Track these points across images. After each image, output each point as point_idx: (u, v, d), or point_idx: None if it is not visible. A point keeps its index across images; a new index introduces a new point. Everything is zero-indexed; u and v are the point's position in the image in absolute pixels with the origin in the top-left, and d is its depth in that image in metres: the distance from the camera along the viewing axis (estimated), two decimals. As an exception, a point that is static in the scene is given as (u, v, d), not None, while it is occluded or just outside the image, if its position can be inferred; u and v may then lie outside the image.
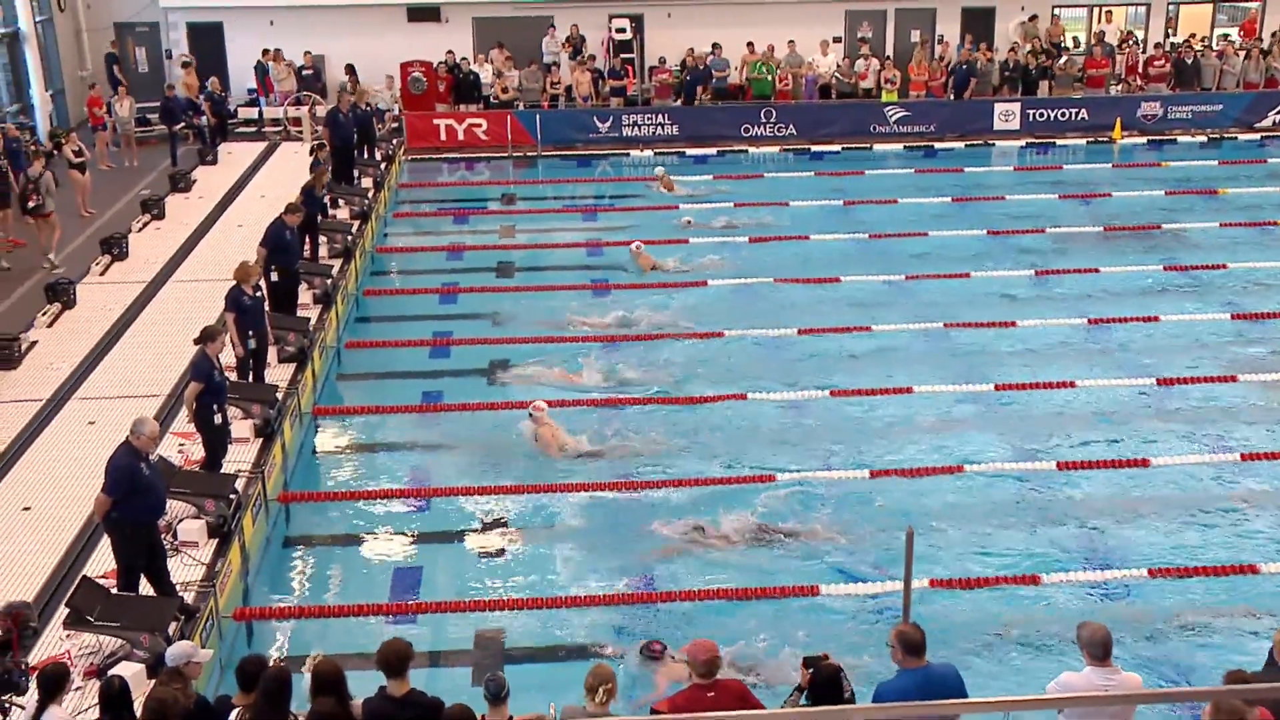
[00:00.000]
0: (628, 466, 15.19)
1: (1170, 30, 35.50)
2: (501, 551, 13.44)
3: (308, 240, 20.20)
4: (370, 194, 25.12)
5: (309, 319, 18.43)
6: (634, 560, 13.20)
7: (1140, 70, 33.11)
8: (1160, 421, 16.25)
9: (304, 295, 19.14)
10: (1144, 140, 31.30)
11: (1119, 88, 33.08)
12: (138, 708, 8.94)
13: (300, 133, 30.24)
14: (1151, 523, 13.83)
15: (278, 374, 16.76)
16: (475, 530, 13.85)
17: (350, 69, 31.09)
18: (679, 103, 32.03)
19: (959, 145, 30.93)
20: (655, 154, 30.29)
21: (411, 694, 8.31)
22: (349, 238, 22.18)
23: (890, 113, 31.41)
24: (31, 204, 21.32)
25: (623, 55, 32.79)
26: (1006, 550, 13.30)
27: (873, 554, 13.19)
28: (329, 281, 19.91)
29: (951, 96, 32.04)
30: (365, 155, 26.99)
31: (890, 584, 12.26)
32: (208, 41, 33.23)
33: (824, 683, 8.19)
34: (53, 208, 21.47)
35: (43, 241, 21.69)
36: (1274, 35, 34.56)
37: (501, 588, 12.76)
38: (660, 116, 31.22)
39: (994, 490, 14.54)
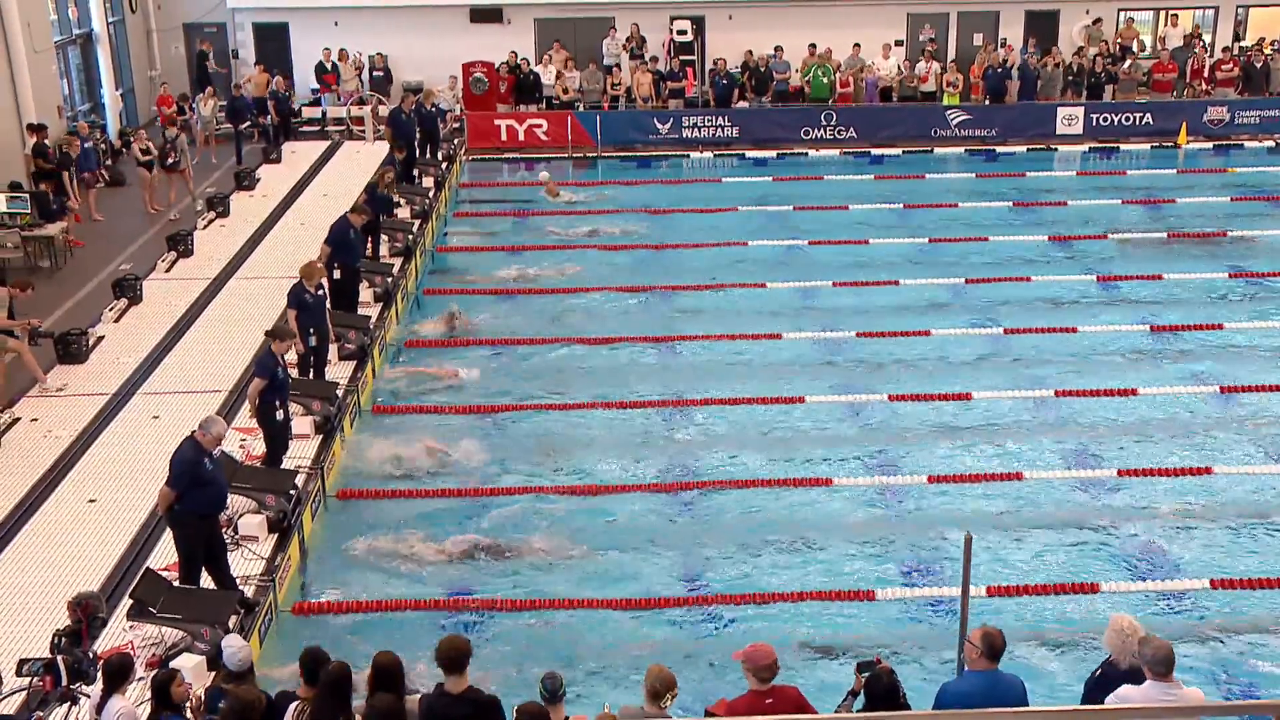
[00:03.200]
0: (689, 466, 15.22)
1: (1239, 33, 34.99)
2: (558, 550, 13.47)
3: (369, 239, 20.38)
4: (431, 193, 25.29)
5: (369, 317, 18.61)
6: (691, 562, 13.24)
7: (1207, 74, 32.67)
8: (1223, 430, 16.06)
9: (364, 293, 19.32)
10: (1210, 145, 30.89)
11: (1185, 92, 32.65)
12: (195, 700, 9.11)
13: (363, 132, 30.50)
14: (1214, 532, 13.68)
15: (338, 371, 16.94)
16: (536, 530, 13.88)
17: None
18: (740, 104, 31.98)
19: (1021, 149, 30.66)
20: (715, 155, 30.29)
21: (469, 691, 8.35)
22: (409, 236, 22.36)
23: (951, 116, 31.18)
24: (170, 160, 24.90)
25: (683, 57, 32.77)
26: (1066, 558, 13.20)
27: (928, 560, 13.14)
28: (389, 280, 20.08)
29: (988, 100, 31.75)
30: (428, 155, 27.19)
31: (946, 589, 12.23)
32: (273, 42, 33.62)
33: (881, 690, 8.18)
34: (186, 164, 25.44)
35: (173, 197, 25.09)
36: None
37: (559, 590, 12.80)
38: (720, 118, 31.17)
39: (1054, 497, 14.44)
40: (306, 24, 33.28)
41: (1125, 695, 7.93)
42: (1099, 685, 8.27)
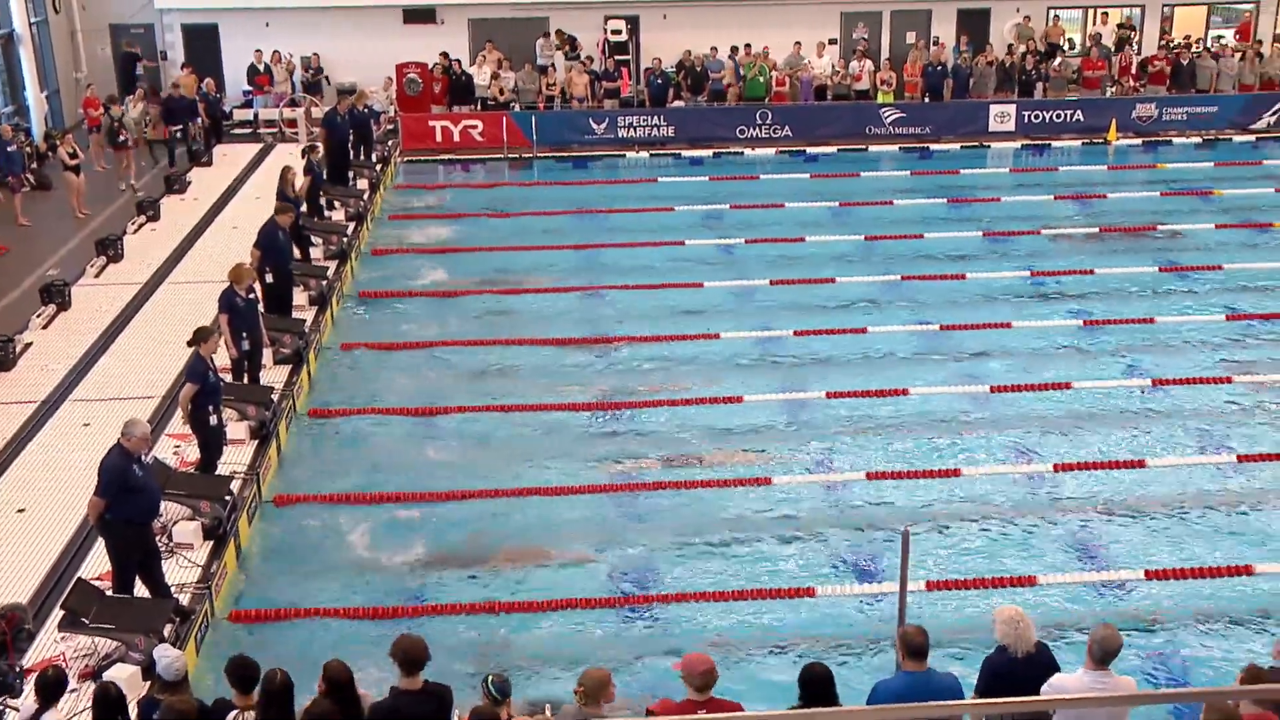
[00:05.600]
0: (628, 467, 15.21)
1: (1167, 30, 35.47)
2: (497, 555, 13.40)
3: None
4: (366, 196, 25.11)
5: (304, 320, 18.44)
6: (626, 560, 13.22)
7: (1135, 71, 33.12)
8: (1156, 422, 16.27)
9: (299, 297, 19.14)
10: (1139, 142, 31.30)
11: (1114, 89, 33.07)
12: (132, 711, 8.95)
13: (296, 134, 30.21)
14: (1147, 524, 13.84)
15: (273, 375, 16.77)
16: (473, 533, 13.81)
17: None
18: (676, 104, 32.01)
19: (954, 147, 30.92)
20: (651, 155, 30.29)
21: (427, 685, 8.37)
22: (344, 239, 22.18)
23: (886, 114, 31.40)
24: (121, 138, 26.08)
25: (618, 57, 32.75)
26: (1003, 552, 13.30)
27: (868, 556, 13.21)
28: (324, 283, 19.91)
29: (925, 98, 32.05)
30: (361, 157, 26.98)
31: (885, 585, 12.29)
32: (203, 43, 33.17)
33: (816, 683, 8.17)
34: (132, 144, 26.51)
35: (121, 171, 26.20)
36: (1275, 40, 34.61)
37: (500, 590, 12.73)
38: (656, 118, 31.18)
39: (991, 491, 14.54)
40: (237, 25, 32.89)
41: (1060, 684, 8.03)
42: (995, 675, 8.40)
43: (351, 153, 26.16)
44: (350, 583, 12.95)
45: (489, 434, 16.15)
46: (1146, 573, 12.69)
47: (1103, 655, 7.99)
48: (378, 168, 27.27)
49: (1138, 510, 14.11)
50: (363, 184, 25.91)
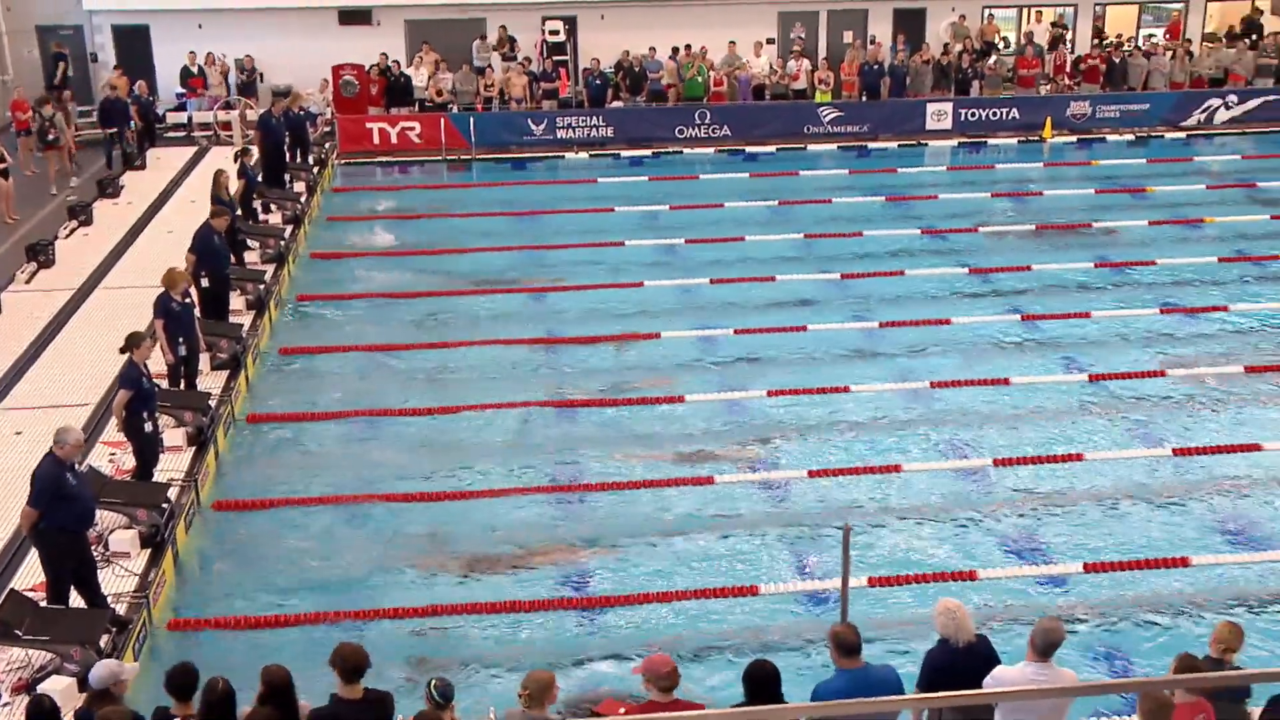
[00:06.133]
0: (569, 468, 15.17)
1: (1100, 28, 35.88)
2: (442, 557, 13.32)
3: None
4: (303, 198, 24.90)
5: (241, 325, 18.26)
6: (570, 562, 13.18)
7: (1069, 70, 33.51)
8: (1093, 416, 16.44)
9: (236, 301, 18.95)
10: (1074, 139, 31.66)
11: (1048, 88, 33.43)
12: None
13: (231, 137, 29.90)
14: (1085, 517, 13.96)
15: (210, 381, 16.58)
16: (415, 536, 13.71)
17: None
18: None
19: (892, 145, 31.14)
20: (590, 155, 30.27)
21: (369, 693, 8.31)
22: (282, 243, 21.98)
23: (824, 113, 31.56)
24: (50, 136, 25.76)
25: (555, 58, 32.71)
26: (944, 547, 13.38)
27: (811, 553, 13.24)
28: (262, 287, 19.72)
29: (863, 97, 32.25)
30: (298, 159, 26.74)
31: (828, 582, 12.34)
32: (134, 44, 32.76)
33: (761, 681, 8.17)
34: (67, 141, 26.52)
35: (53, 173, 26.13)
36: (1204, 39, 35.14)
37: (443, 593, 12.64)
38: (595, 118, 31.19)
39: (931, 487, 14.62)
40: (168, 26, 32.50)
41: (1002, 677, 8.09)
42: (935, 667, 8.48)
43: (288, 155, 25.93)
44: (292, 588, 12.80)
45: (431, 436, 16.05)
46: (1085, 565, 12.81)
47: (1044, 647, 8.06)
48: (315, 170, 27.07)
49: (1076, 504, 14.23)
50: (300, 187, 25.70)
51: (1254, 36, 34.37)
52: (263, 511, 14.22)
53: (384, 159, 30.22)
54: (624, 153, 30.57)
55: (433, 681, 8.56)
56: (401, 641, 11.84)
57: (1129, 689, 8.14)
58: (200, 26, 32.33)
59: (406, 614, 12.20)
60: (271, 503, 14.35)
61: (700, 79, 32.18)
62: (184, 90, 31.95)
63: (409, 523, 13.98)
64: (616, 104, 32.11)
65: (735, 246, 23.21)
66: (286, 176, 25.42)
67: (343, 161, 29.81)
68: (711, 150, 30.75)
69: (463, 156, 30.02)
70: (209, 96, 31.67)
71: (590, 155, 30.43)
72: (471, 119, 30.45)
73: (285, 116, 25.70)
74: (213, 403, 15.66)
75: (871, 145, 31.23)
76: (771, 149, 30.77)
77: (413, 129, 30.63)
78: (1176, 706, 7.75)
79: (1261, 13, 35.76)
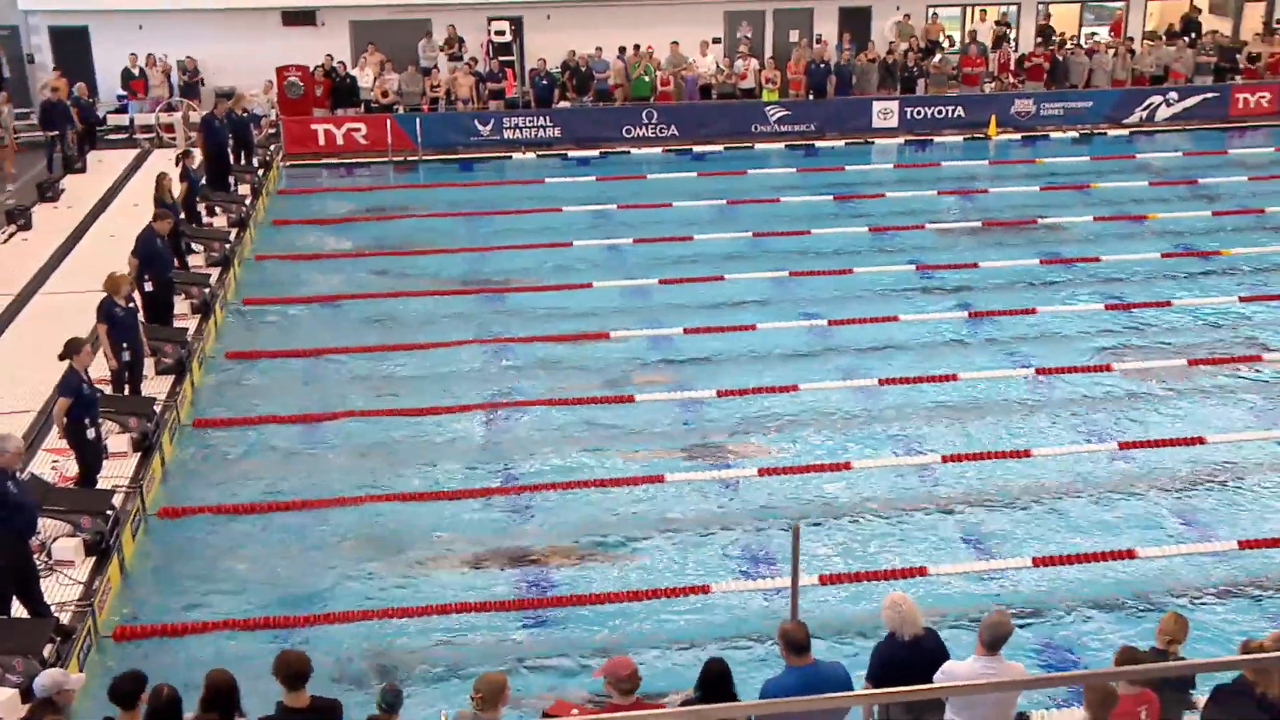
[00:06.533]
0: (519, 469, 15.12)
1: (1047, 28, 36.17)
2: (391, 561, 13.23)
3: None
4: (248, 201, 24.68)
5: (186, 329, 18.07)
6: (520, 563, 13.14)
7: (1014, 68, 33.78)
8: (1040, 411, 16.56)
9: (181, 305, 18.75)
10: (1018, 137, 31.91)
11: (993, 86, 33.68)
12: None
13: (173, 139, 29.56)
14: (1034, 512, 14.06)
15: (155, 386, 16.39)
16: (363, 540, 13.61)
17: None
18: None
19: (839, 144, 31.26)
20: (538, 156, 30.21)
21: (315, 701, 8.25)
22: (227, 246, 21.77)
23: (771, 112, 31.65)
24: None
25: (502, 58, 32.61)
26: (893, 544, 13.43)
27: (762, 552, 13.26)
28: (207, 291, 19.52)
29: (809, 96, 32.39)
30: (242, 162, 26.50)
31: (779, 580, 12.35)
32: (72, 46, 32.31)
33: (714, 679, 8.18)
34: (8, 142, 26.54)
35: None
36: (1145, 37, 35.54)
37: (392, 597, 12.56)
38: (542, 119, 31.11)
39: (881, 484, 14.68)
40: (108, 27, 32.10)
41: (951, 671, 8.14)
42: (883, 660, 8.57)
43: (232, 157, 25.68)
44: (239, 594, 12.69)
45: (378, 439, 15.94)
46: (1034, 560, 12.90)
47: (992, 641, 8.12)
48: (259, 172, 26.83)
49: (1024, 499, 14.33)
50: (244, 189, 25.45)
51: (1193, 35, 34.79)
52: (209, 517, 14.08)
53: (330, 161, 29.99)
54: (571, 153, 30.51)
55: (383, 687, 8.50)
56: (352, 646, 11.75)
57: (1075, 681, 8.21)
58: (141, 28, 31.95)
59: (356, 618, 12.12)
60: (219, 508, 14.21)
61: (647, 79, 32.19)
62: (125, 92, 31.58)
63: (357, 526, 13.87)
64: (563, 104, 32.05)
65: (684, 246, 23.23)
66: (231, 179, 25.16)
67: (288, 163, 29.57)
68: (659, 150, 30.75)
69: (409, 158, 29.86)
70: (150, 98, 31.31)
71: (537, 156, 30.35)
72: (418, 120, 30.28)
73: (229, 118, 25.47)
74: (158, 408, 15.48)
75: (818, 144, 31.33)
76: (719, 148, 30.81)
77: (358, 130, 30.43)
78: (1120, 698, 7.83)
79: (1199, 11, 36.21)
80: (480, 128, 30.80)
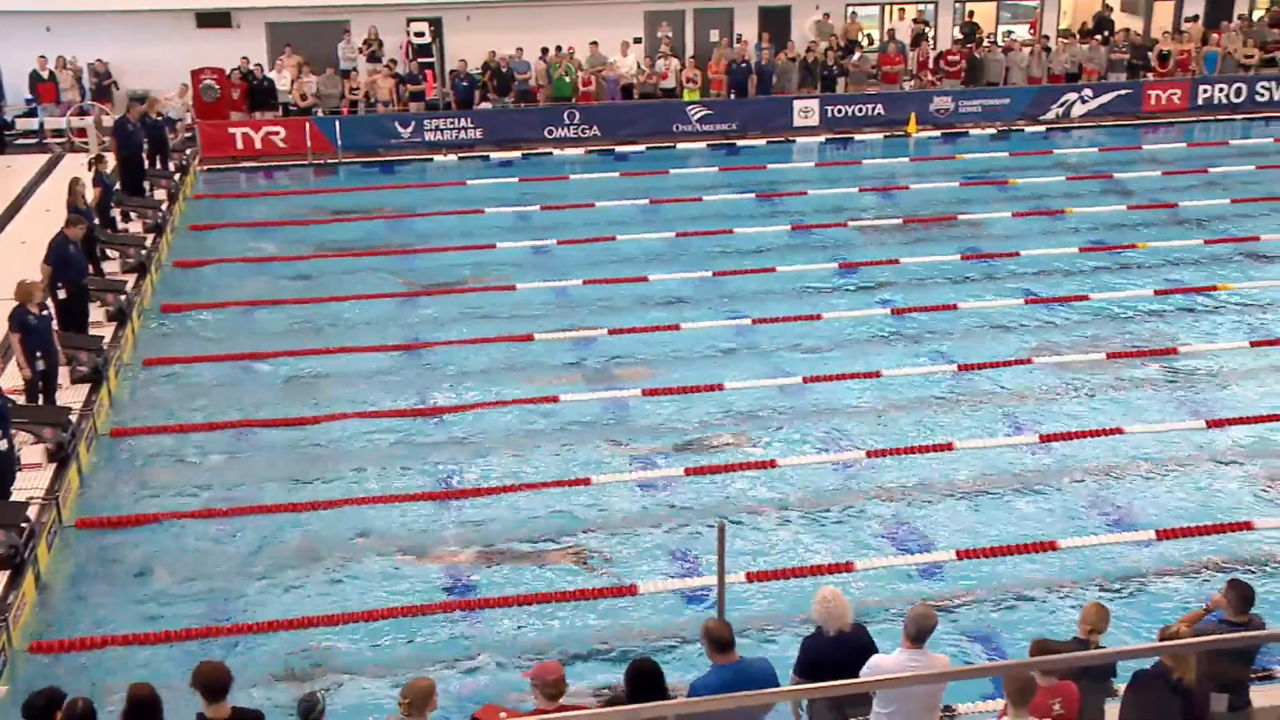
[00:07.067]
0: (443, 473, 15.01)
1: (972, 25, 36.55)
2: (314, 567, 13.08)
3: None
4: (165, 206, 24.31)
5: (102, 337, 17.77)
6: (446, 567, 13.04)
7: (932, 66, 34.11)
8: (961, 406, 16.72)
9: (96, 312, 18.43)
10: (938, 134, 32.21)
11: (912, 84, 33.98)
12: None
13: (86, 144, 29.03)
14: (957, 505, 14.19)
15: (71, 395, 16.10)
16: (287, 547, 13.45)
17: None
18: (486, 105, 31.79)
19: (761, 142, 31.38)
20: (459, 157, 30.06)
21: (235, 713, 8.10)
22: (143, 251, 21.43)
23: (692, 112, 31.71)
24: None
25: (421, 60, 32.39)
26: (820, 540, 13.49)
27: (688, 551, 13.26)
28: (123, 298, 19.20)
29: (731, 95, 32.53)
30: (158, 166, 26.09)
31: (706, 579, 12.36)
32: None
33: (643, 678, 8.15)
34: None
35: None
36: (1060, 35, 36.06)
37: (317, 603, 12.42)
38: (463, 120, 30.93)
39: (807, 480, 14.74)
40: (13, 28, 31.28)
41: (877, 665, 8.18)
42: (809, 653, 8.65)
43: (147, 162, 25.28)
44: (160, 605, 12.50)
45: (300, 445, 15.77)
46: (958, 553, 13.02)
47: (917, 634, 8.18)
48: (176, 177, 26.44)
49: (948, 492, 14.46)
50: (160, 194, 25.08)
51: (1106, 33, 35.32)
52: (129, 528, 13.85)
53: (248, 164, 29.61)
54: (493, 154, 30.37)
55: (301, 696, 8.39)
56: (275, 655, 11.61)
57: (1000, 671, 8.29)
58: (49, 29, 31.31)
59: (279, 626, 11.97)
60: (138, 519, 13.99)
61: (568, 79, 32.13)
62: (33, 96, 30.95)
63: (279, 533, 13.72)
64: (484, 105, 31.90)
65: (607, 246, 23.20)
66: (146, 184, 24.77)
67: (205, 168, 29.15)
68: (581, 150, 30.69)
69: (329, 160, 29.56)
70: (61, 102, 30.74)
71: (459, 157, 30.18)
72: (337, 122, 29.98)
73: (143, 122, 25.05)
74: (73, 417, 15.21)
75: (740, 143, 31.42)
76: (641, 148, 30.81)
77: (277, 134, 30.07)
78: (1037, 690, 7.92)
79: (1111, 9, 36.75)
80: (401, 130, 30.57)
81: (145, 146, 25.11)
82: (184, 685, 8.76)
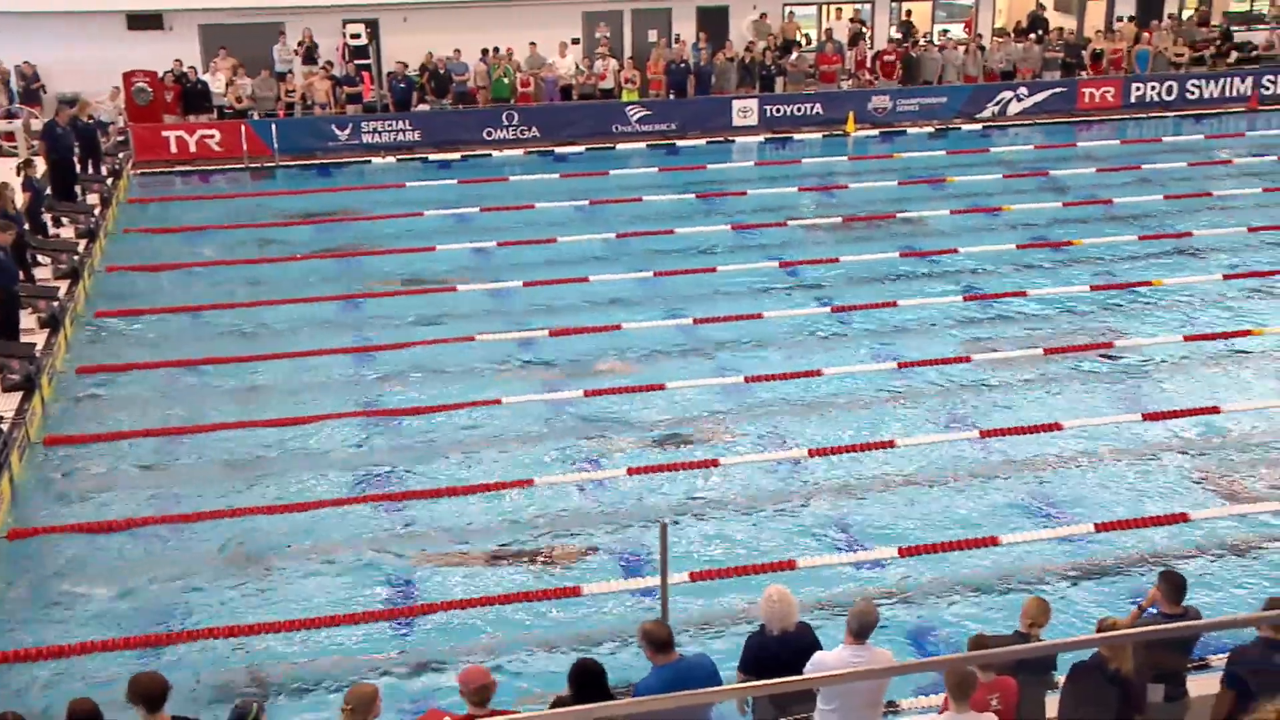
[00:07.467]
0: (385, 476, 14.89)
1: (908, 24, 36.80)
2: (251, 575, 12.93)
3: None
4: (98, 211, 23.98)
5: (34, 344, 17.49)
6: (390, 572, 12.93)
7: (869, 65, 34.31)
8: (903, 403, 16.79)
9: (28, 319, 18.16)
10: (876, 133, 32.41)
11: (850, 83, 34.17)
12: None
13: (15, 148, 28.60)
14: (899, 502, 14.24)
15: (2, 404, 15.84)
16: (226, 554, 13.29)
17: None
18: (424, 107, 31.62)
19: (700, 143, 31.44)
20: (398, 159, 29.89)
21: None
22: (75, 257, 21.13)
23: (632, 112, 31.72)
24: None
25: (358, 61, 32.18)
26: (763, 538, 13.50)
27: (632, 551, 13.24)
28: (56, 304, 18.92)
29: (671, 95, 32.57)
30: (90, 171, 25.74)
31: (651, 579, 12.33)
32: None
33: (587, 679, 8.12)
34: None
35: None
36: (994, 34, 36.40)
37: (257, 610, 12.28)
38: (401, 122, 30.77)
39: (749, 480, 14.74)
40: (-62, 31, 30.88)
41: (820, 661, 8.19)
42: (751, 651, 8.68)
43: (79, 166, 24.93)
44: (95, 616, 12.30)
45: (238, 452, 15.59)
46: (900, 549, 13.07)
47: (860, 629, 8.19)
48: (109, 181, 26.10)
49: (889, 489, 14.52)
50: (93, 199, 24.75)
51: (1040, 32, 35.69)
52: (63, 537, 13.63)
53: (183, 168, 29.28)
54: (432, 156, 30.23)
55: (236, 704, 8.27)
56: (217, 663, 11.47)
57: (942, 666, 8.32)
58: (-26, 32, 30.87)
59: (218, 634, 11.82)
60: (72, 528, 13.78)
61: (506, 80, 32.02)
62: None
63: (219, 540, 13.55)
64: (422, 107, 31.73)
65: (547, 248, 23.14)
66: (78, 188, 24.44)
67: (139, 172, 28.79)
68: (520, 152, 30.63)
69: (266, 164, 29.31)
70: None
71: (397, 160, 30.03)
72: (273, 125, 29.74)
73: (73, 125, 24.71)
74: (5, 426, 14.96)
75: (680, 143, 31.48)
76: (580, 149, 30.80)
77: (212, 137, 29.78)
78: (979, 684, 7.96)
79: (1045, 9, 37.14)
80: (338, 132, 30.37)
81: (76, 150, 24.79)
82: (119, 698, 8.67)
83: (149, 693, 7.87)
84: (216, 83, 30.83)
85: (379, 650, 11.73)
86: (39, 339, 17.97)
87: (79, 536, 13.63)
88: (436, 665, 11.44)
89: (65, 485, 14.94)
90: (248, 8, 32.21)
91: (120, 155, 28.49)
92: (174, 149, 29.61)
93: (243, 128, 29.52)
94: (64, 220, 23.04)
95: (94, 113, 27.37)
